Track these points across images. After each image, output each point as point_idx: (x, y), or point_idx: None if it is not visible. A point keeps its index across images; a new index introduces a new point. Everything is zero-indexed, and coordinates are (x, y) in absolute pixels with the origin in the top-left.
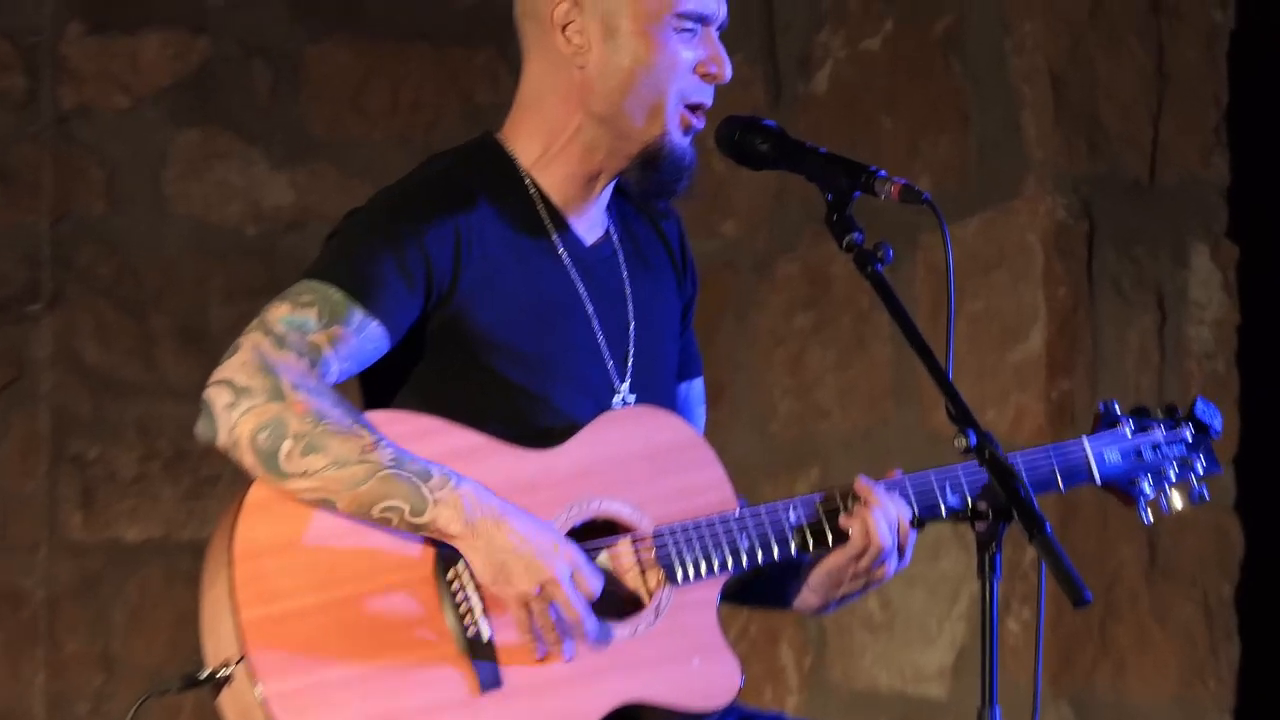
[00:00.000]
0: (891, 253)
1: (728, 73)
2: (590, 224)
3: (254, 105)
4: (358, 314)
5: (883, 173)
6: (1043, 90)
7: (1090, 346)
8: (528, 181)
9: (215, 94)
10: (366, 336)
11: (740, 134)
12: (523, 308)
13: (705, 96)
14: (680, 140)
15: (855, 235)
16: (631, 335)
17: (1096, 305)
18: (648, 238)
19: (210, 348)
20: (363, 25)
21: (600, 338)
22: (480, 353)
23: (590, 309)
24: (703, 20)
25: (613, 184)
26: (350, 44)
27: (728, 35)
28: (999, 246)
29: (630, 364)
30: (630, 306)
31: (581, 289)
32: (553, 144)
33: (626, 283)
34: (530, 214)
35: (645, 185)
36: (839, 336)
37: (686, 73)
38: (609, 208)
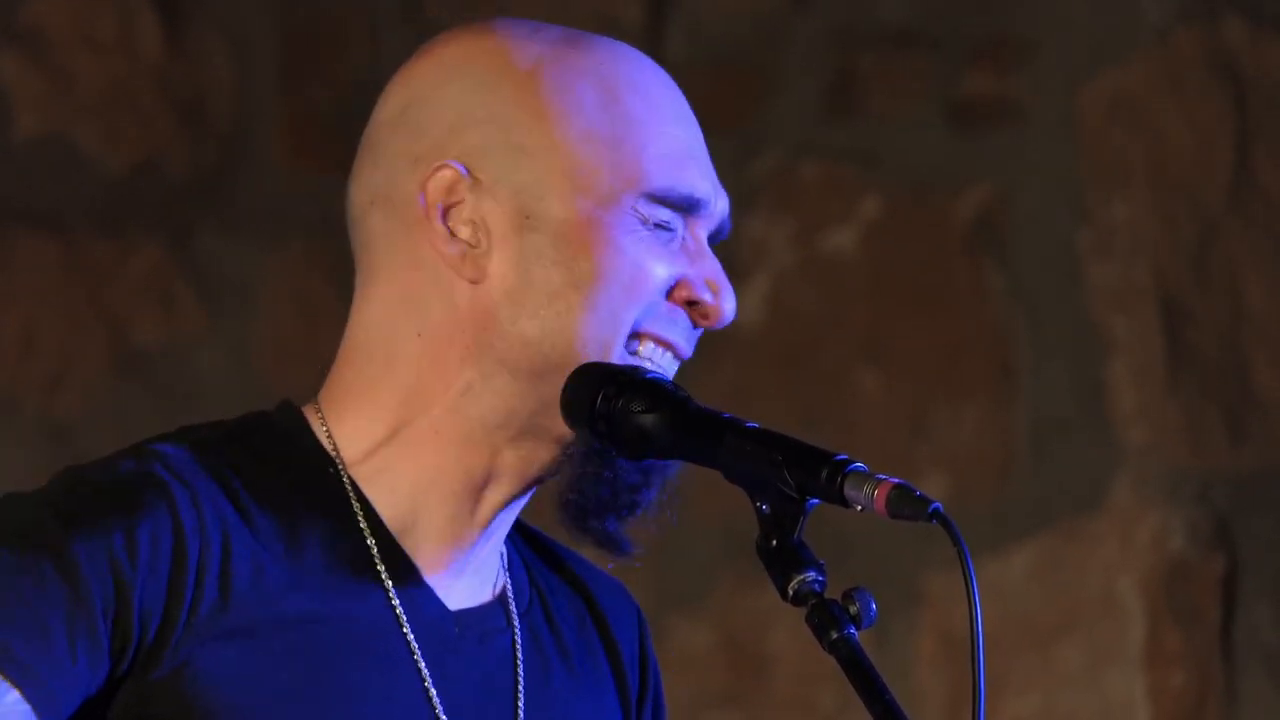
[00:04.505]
0: (874, 608)
1: (728, 308)
2: (465, 574)
3: None
4: None
5: (859, 465)
6: (1147, 324)
7: None
8: (348, 486)
9: None
10: None
11: (603, 397)
12: (305, 698)
13: (678, 337)
14: None
15: (809, 576)
16: None
17: (1240, 703)
18: (572, 621)
19: None
20: None
21: None
22: None
23: (440, 711)
24: (690, 208)
25: (513, 514)
26: None
27: None
28: (1067, 598)
29: None
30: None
31: (429, 679)
32: (406, 425)
33: (521, 679)
34: (345, 543)
35: (583, 503)
36: None
37: (655, 297)
38: (513, 558)
